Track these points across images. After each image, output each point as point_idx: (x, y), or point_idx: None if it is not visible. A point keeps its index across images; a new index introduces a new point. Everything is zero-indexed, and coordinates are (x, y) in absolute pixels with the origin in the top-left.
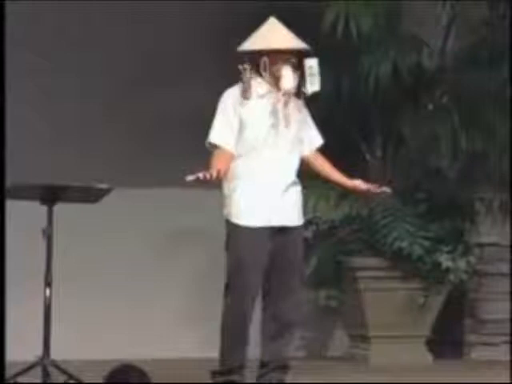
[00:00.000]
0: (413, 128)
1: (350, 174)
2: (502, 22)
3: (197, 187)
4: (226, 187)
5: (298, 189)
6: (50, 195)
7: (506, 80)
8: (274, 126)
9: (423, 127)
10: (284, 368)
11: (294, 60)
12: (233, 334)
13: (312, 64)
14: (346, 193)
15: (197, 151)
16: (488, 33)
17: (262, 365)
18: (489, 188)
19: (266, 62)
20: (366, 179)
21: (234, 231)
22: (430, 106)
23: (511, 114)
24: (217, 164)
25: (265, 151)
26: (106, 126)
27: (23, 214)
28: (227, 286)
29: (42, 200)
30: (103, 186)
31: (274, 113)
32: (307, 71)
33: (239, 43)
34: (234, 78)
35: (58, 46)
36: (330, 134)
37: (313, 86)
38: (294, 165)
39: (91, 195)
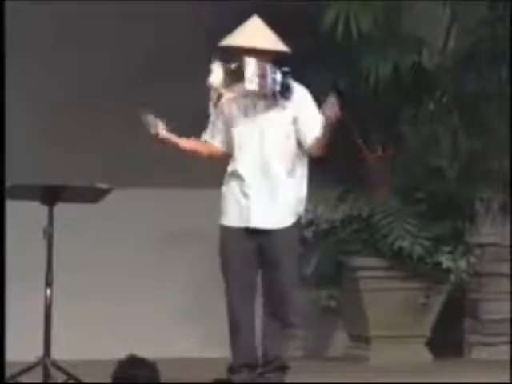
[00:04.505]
0: (413, 128)
1: (351, 174)
2: (502, 22)
3: (197, 187)
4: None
5: (287, 189)
6: (50, 195)
7: (506, 80)
8: (243, 126)
9: (423, 127)
10: (283, 368)
11: (264, 59)
12: (231, 331)
13: (252, 62)
14: (346, 193)
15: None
16: (488, 33)
17: (261, 364)
18: (489, 188)
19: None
20: (366, 179)
21: (220, 230)
22: (431, 106)
23: (511, 113)
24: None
25: (244, 152)
26: (106, 126)
27: (23, 214)
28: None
29: (42, 200)
30: (103, 186)
31: (242, 114)
32: (247, 68)
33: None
34: None
35: (58, 46)
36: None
37: (251, 83)
38: (280, 166)
39: (91, 195)
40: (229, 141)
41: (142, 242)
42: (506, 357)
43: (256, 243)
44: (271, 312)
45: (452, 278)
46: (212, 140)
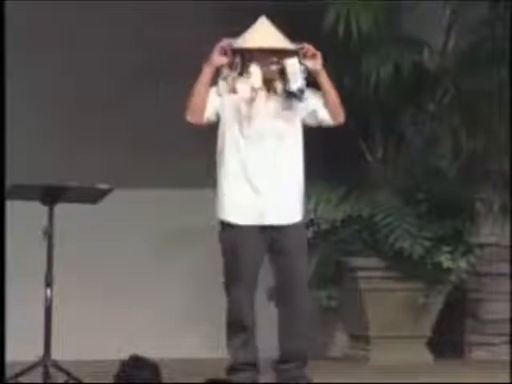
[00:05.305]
0: (414, 128)
1: (350, 175)
2: (503, 22)
3: (196, 188)
4: (218, 184)
5: (296, 186)
6: (51, 195)
7: (506, 80)
8: (255, 124)
9: (424, 127)
10: (304, 364)
11: (275, 59)
12: (234, 331)
13: (293, 62)
14: (346, 193)
15: (197, 152)
16: (488, 33)
17: (282, 361)
18: (489, 188)
19: (239, 60)
20: (366, 179)
21: (226, 229)
22: (431, 106)
23: (511, 113)
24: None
25: (246, 148)
26: (106, 126)
27: (23, 214)
28: (225, 286)
29: (43, 200)
30: (103, 186)
31: (255, 111)
32: (288, 70)
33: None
34: None
35: (59, 46)
36: (331, 134)
37: (295, 83)
38: (292, 163)
39: (91, 195)
40: (225, 137)
41: (142, 242)
42: (506, 357)
43: (268, 240)
44: (283, 310)
45: (452, 277)
46: (212, 100)
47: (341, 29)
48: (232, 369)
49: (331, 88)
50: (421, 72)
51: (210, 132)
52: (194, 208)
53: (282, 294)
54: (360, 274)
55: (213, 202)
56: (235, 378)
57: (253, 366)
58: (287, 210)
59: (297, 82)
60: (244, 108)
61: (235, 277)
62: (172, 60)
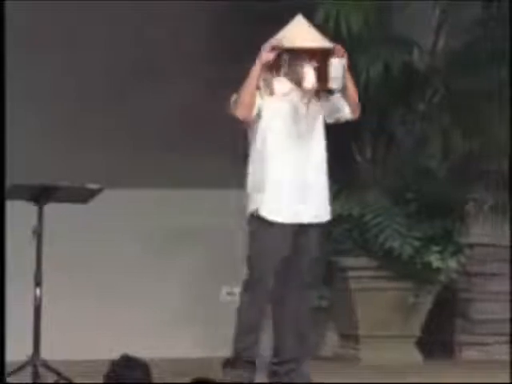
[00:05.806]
0: (403, 128)
1: (340, 174)
2: (495, 22)
3: (196, 188)
4: (252, 183)
5: (325, 183)
6: (40, 195)
7: (496, 80)
8: (295, 123)
9: (414, 127)
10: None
11: (316, 59)
12: (245, 328)
13: (338, 61)
14: (336, 193)
15: (197, 152)
16: (479, 33)
17: (290, 360)
18: (479, 188)
19: (286, 59)
20: (355, 179)
21: (259, 225)
22: (421, 106)
23: (511, 113)
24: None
25: (287, 147)
26: (106, 126)
27: (19, 214)
28: (247, 283)
29: (32, 200)
30: (93, 186)
31: (294, 111)
32: (332, 69)
33: (238, 42)
34: (234, 77)
35: (58, 46)
36: None
37: (337, 82)
38: (318, 161)
39: (81, 195)
40: (265, 137)
41: (141, 242)
42: (497, 357)
43: (300, 237)
44: (296, 308)
45: (442, 277)
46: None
47: (330, 29)
48: (231, 364)
49: (353, 86)
50: (411, 72)
51: (210, 132)
52: (194, 208)
53: (291, 294)
54: (350, 273)
55: (212, 202)
56: (232, 374)
57: (252, 364)
58: (321, 209)
59: (339, 80)
60: (285, 108)
61: (263, 274)
62: (172, 60)
